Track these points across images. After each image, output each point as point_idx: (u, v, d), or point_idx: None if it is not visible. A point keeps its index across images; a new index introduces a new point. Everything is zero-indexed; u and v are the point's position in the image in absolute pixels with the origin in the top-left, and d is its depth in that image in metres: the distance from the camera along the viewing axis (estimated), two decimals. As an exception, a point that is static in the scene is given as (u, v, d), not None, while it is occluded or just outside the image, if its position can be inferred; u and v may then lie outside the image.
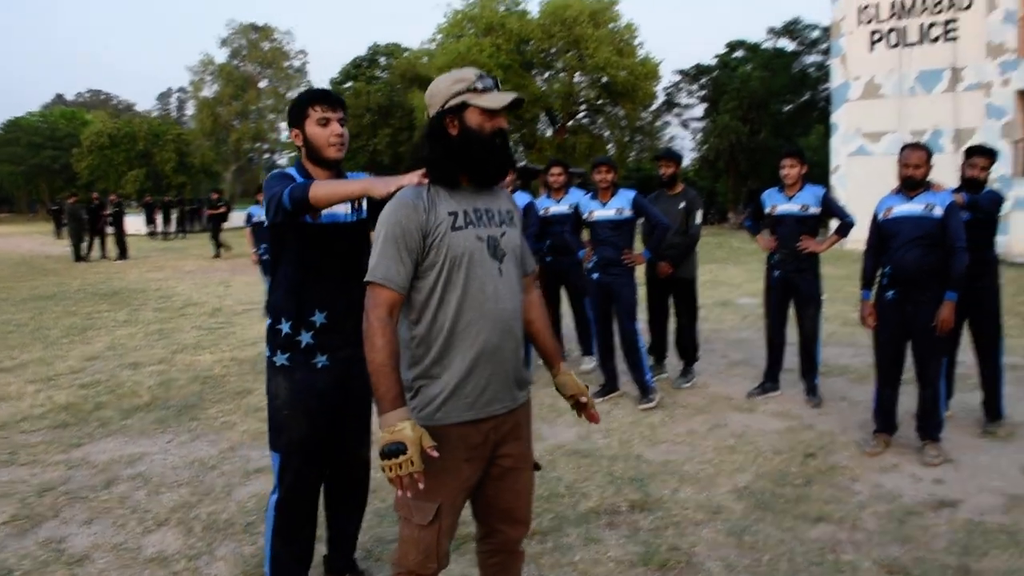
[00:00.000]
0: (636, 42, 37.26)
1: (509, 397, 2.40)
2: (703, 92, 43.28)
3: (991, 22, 19.48)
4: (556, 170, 7.12)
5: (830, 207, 6.06)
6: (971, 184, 5.31)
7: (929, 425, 4.87)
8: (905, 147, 4.95)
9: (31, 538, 3.86)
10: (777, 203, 6.18)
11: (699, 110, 44.18)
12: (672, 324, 7.06)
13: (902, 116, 20.80)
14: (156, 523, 4.00)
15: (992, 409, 5.41)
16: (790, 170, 6.06)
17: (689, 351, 6.84)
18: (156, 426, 5.69)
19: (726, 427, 5.52)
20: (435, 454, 2.18)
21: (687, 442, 5.21)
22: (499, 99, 2.31)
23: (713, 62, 42.78)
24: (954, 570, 3.42)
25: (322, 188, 2.58)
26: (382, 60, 41.69)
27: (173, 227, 33.34)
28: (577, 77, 38.16)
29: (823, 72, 37.77)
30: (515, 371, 2.41)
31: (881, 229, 4.99)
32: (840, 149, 22.21)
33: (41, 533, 3.91)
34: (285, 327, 2.86)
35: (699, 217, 6.67)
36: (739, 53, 42.09)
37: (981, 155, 5.33)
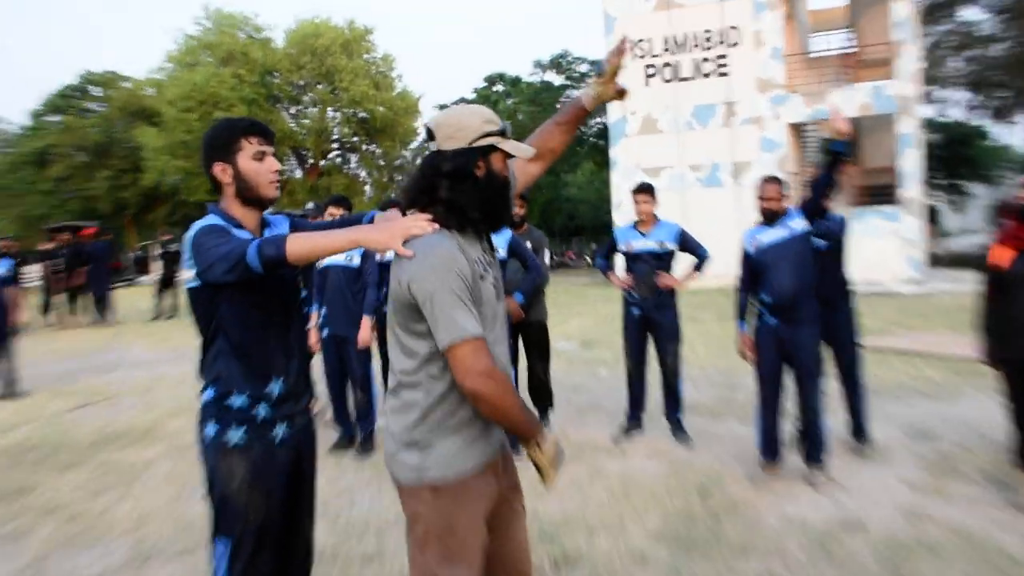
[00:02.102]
0: (394, 75, 37.96)
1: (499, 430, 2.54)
2: (466, 128, 44.64)
3: (759, 59, 21.92)
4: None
5: (686, 243, 6.54)
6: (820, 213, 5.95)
7: (815, 449, 5.38)
8: (762, 181, 5.53)
9: None
10: (632, 240, 6.60)
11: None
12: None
13: (681, 150, 22.75)
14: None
15: (860, 431, 6.07)
16: (644, 206, 6.50)
17: (545, 397, 7.04)
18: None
19: (607, 473, 5.76)
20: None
21: (576, 492, 5.38)
22: (525, 150, 2.44)
23: (472, 96, 44.42)
24: (896, 585, 3.82)
25: (300, 243, 2.45)
26: (96, 91, 39.37)
27: None
28: (330, 112, 38.11)
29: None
30: None
31: (753, 262, 5.50)
32: (621, 185, 23.76)
33: None
34: (238, 400, 2.71)
35: (547, 256, 6.95)
36: (499, 87, 44.02)
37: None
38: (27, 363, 11.82)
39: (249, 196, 2.76)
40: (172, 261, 18.58)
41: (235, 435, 2.72)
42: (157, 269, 19.46)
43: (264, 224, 2.88)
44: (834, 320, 5.89)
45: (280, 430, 2.78)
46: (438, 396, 2.35)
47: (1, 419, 8.44)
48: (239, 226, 2.74)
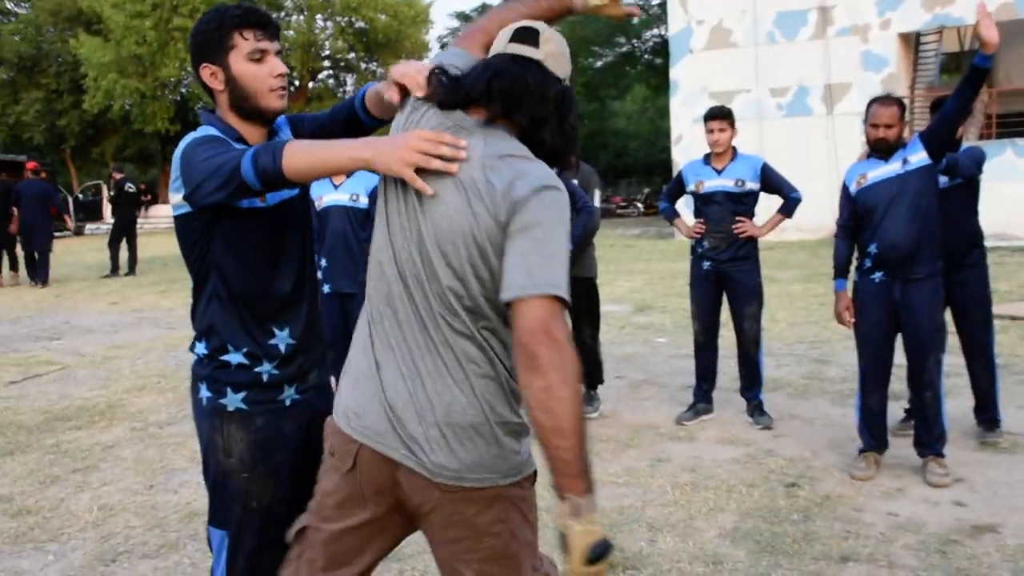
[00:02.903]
0: (400, -25, 37.91)
1: None
2: (489, 42, 44.54)
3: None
4: None
5: (771, 181, 6.59)
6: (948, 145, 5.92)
7: (931, 437, 5.42)
8: (873, 102, 5.51)
9: None
10: (703, 178, 6.66)
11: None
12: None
13: (760, 70, 22.59)
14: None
15: (988, 416, 6.08)
16: (719, 135, 6.53)
17: (594, 371, 7.14)
18: None
19: (670, 461, 5.87)
20: None
21: (633, 483, 5.48)
22: None
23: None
24: (1032, 599, 3.89)
25: (300, 154, 2.39)
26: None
27: None
28: (319, 21, 38.13)
29: (649, 16, 40.07)
30: None
31: (857, 203, 5.52)
32: (682, 114, 23.66)
33: None
34: (237, 357, 2.73)
35: (597, 197, 6.98)
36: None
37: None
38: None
39: (246, 107, 2.71)
40: (129, 205, 18.76)
41: (234, 399, 2.74)
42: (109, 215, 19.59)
43: (273, 137, 2.83)
44: (959, 279, 5.87)
45: (288, 393, 2.82)
46: None
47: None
48: (240, 141, 2.69)
